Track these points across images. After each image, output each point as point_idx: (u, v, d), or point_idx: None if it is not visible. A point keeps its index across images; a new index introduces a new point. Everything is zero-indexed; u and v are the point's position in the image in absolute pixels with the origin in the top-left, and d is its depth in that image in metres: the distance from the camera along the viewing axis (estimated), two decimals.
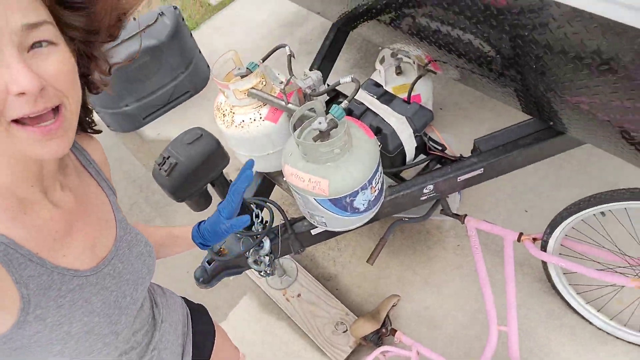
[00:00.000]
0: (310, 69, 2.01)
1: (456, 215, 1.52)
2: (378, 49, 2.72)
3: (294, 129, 1.22)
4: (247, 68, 1.42)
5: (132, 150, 2.65)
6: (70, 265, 0.64)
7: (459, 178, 1.49)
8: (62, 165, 0.70)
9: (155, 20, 2.40)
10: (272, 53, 1.55)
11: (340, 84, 1.33)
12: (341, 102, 1.36)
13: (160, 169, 1.17)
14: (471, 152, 1.58)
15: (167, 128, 2.67)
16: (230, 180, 1.43)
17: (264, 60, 1.50)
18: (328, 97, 1.78)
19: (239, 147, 1.52)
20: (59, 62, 0.52)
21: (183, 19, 2.56)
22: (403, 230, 1.99)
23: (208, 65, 2.86)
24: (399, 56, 2.02)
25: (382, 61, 2.00)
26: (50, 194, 0.65)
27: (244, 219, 0.95)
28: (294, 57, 1.51)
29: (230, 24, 3.27)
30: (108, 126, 2.70)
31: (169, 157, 1.16)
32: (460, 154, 1.58)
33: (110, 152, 2.65)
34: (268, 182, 1.71)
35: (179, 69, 2.57)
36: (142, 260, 0.78)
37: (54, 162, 0.65)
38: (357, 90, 1.28)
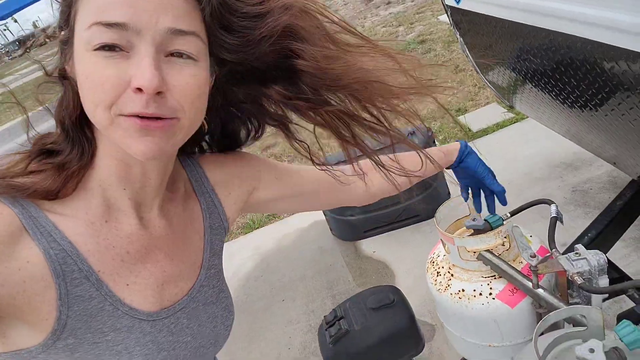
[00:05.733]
0: (581, 241, 1.43)
1: None
2: None
3: (546, 349, 0.74)
4: (485, 220, 1.03)
5: (346, 261, 2.50)
6: (128, 299, 0.54)
7: None
8: (173, 188, 0.63)
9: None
10: (527, 207, 1.11)
11: None
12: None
13: (326, 329, 0.85)
14: None
15: (383, 249, 2.44)
16: None
17: (512, 214, 1.08)
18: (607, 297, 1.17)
19: (450, 322, 1.09)
20: (190, 76, 0.49)
21: (434, 142, 2.38)
22: None
23: (449, 192, 2.56)
24: None
25: None
26: (143, 209, 0.58)
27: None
28: (561, 222, 1.03)
29: (488, 151, 2.91)
30: (331, 230, 2.67)
31: (341, 317, 0.84)
32: None
33: (325, 256, 2.57)
34: None
35: (415, 190, 2.35)
36: (213, 325, 0.64)
37: (159, 175, 0.57)
38: None
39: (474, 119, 3.37)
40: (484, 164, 1.01)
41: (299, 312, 2.27)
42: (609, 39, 1.00)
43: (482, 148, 3.26)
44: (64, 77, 0.52)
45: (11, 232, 0.47)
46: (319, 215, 2.78)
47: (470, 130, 3.26)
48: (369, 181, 0.79)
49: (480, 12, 1.51)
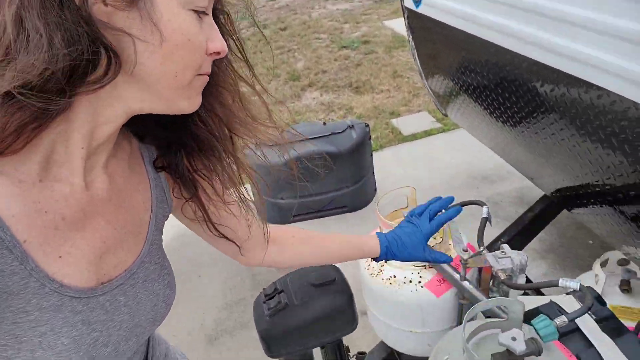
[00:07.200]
0: (499, 242, 1.57)
1: None
2: (589, 242, 2.14)
3: (468, 337, 0.79)
4: None
5: None
6: (59, 273, 0.47)
7: None
8: (117, 145, 0.55)
9: (343, 131, 2.33)
10: (463, 205, 1.18)
11: (556, 286, 0.87)
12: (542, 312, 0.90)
13: (265, 302, 0.84)
14: None
15: None
16: (347, 348, 1.02)
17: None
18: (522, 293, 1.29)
19: (377, 306, 1.13)
20: None
21: (370, 138, 2.46)
22: None
23: (375, 188, 2.66)
24: (630, 268, 1.45)
25: (604, 264, 1.45)
26: (89, 169, 0.50)
27: (447, 258, 0.88)
28: (490, 223, 1.11)
29: (415, 157, 3.10)
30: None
31: (282, 291, 0.84)
32: None
33: None
34: None
35: (345, 182, 2.42)
36: (154, 303, 0.59)
37: (114, 134, 0.51)
38: (587, 310, 0.80)
39: (405, 124, 3.53)
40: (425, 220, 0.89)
41: (215, 289, 2.22)
42: (551, 62, 1.10)
43: (412, 152, 3.38)
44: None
45: None
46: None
47: (400, 133, 3.41)
48: (279, 248, 0.79)
49: (436, 18, 1.58)
